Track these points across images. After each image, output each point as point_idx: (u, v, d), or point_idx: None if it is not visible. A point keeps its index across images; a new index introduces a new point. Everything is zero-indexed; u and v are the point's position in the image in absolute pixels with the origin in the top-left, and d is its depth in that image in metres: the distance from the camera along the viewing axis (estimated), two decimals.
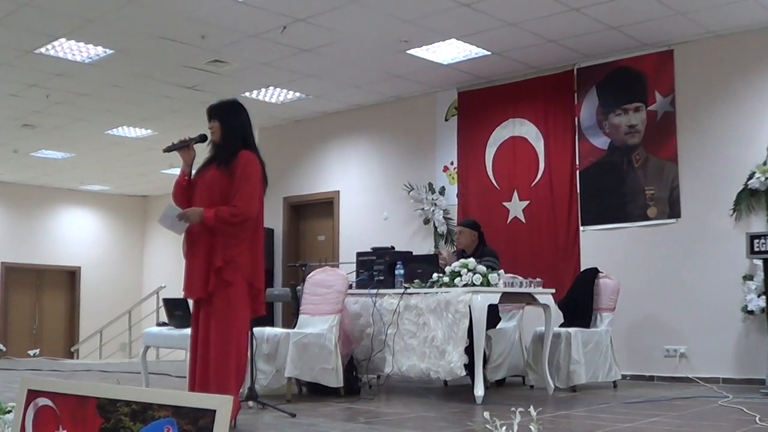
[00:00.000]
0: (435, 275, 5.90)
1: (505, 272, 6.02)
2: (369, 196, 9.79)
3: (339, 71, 8.49)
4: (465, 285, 5.61)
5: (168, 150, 4.48)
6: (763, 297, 6.60)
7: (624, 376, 7.10)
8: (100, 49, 7.73)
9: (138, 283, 16.39)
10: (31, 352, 11.67)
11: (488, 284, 5.63)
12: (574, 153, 8.11)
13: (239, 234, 4.23)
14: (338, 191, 10.13)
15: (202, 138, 4.46)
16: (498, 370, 6.53)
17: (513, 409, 2.53)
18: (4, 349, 11.02)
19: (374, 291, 6.13)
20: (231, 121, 4.38)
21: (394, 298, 5.98)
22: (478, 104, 8.84)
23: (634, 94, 7.77)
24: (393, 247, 7.00)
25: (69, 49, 7.71)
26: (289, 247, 10.58)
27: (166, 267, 15.34)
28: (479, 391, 5.44)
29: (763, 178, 6.89)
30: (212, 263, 4.18)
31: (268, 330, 5.87)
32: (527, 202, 8.39)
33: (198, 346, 4.25)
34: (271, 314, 10.14)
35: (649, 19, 6.96)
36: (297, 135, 10.65)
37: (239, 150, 4.31)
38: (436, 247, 8.86)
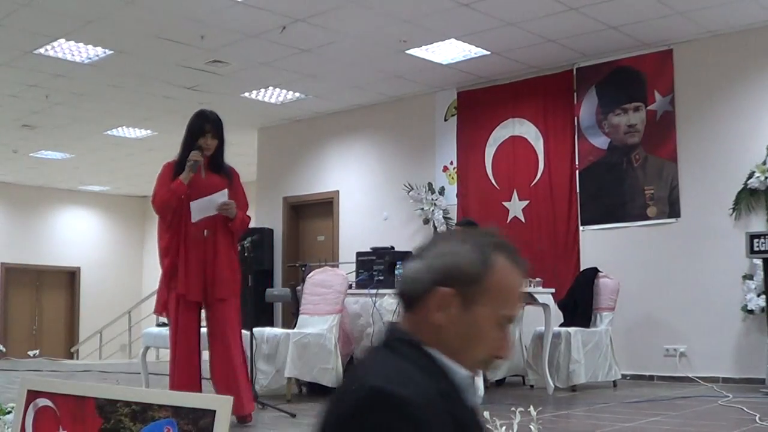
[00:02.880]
0: None
1: None
2: (369, 196, 9.78)
3: (339, 71, 8.48)
4: None
5: (192, 169, 4.43)
6: (763, 296, 6.60)
7: (624, 376, 7.10)
8: (99, 50, 7.73)
9: (138, 284, 16.37)
10: (31, 353, 11.66)
11: None
12: (574, 153, 8.11)
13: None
14: (338, 191, 10.13)
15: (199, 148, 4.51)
16: (498, 369, 6.53)
17: (513, 408, 2.54)
18: (4, 349, 11.01)
19: (374, 291, 6.13)
20: (223, 137, 4.60)
21: (394, 298, 5.97)
22: (477, 104, 8.84)
23: (633, 93, 7.77)
24: (393, 247, 7.00)
25: (68, 50, 7.70)
26: (289, 247, 10.57)
27: None
28: (479, 391, 5.44)
29: (762, 178, 6.89)
30: (233, 265, 4.47)
31: (268, 330, 5.87)
32: (527, 201, 8.39)
33: (215, 346, 4.41)
34: (271, 314, 10.14)
35: (648, 18, 6.95)
36: (297, 135, 10.65)
37: None
38: None
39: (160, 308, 4.51)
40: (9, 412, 3.33)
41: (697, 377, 7.05)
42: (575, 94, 8.16)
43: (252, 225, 5.31)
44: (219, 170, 4.51)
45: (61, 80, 8.63)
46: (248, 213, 4.72)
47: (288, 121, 10.56)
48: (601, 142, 7.96)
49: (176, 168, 4.44)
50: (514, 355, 6.71)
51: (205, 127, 4.43)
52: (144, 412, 1.74)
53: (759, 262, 6.53)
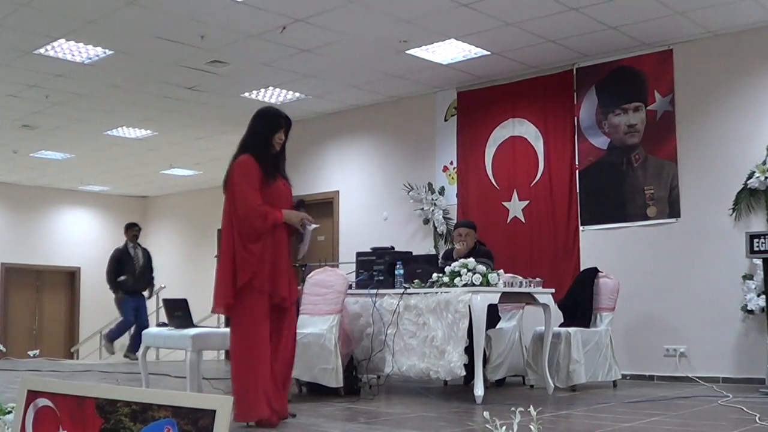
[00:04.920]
0: (435, 275, 5.90)
1: (505, 272, 6.02)
2: (369, 196, 9.79)
3: (339, 71, 8.49)
4: (465, 285, 5.61)
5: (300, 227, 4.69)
6: (763, 296, 6.60)
7: (624, 376, 7.10)
8: (99, 50, 7.73)
9: None
10: (31, 353, 11.66)
11: (488, 284, 5.63)
12: (574, 153, 8.11)
13: None
14: (338, 191, 10.13)
15: (302, 203, 4.83)
16: (498, 369, 6.53)
17: (513, 408, 2.53)
18: (4, 349, 11.02)
19: (374, 291, 6.12)
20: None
21: (394, 298, 5.97)
22: (477, 104, 8.84)
23: (633, 93, 7.77)
24: (393, 247, 7.00)
25: (68, 50, 7.71)
26: (289, 247, 10.55)
27: (166, 267, 15.31)
28: (479, 391, 5.44)
29: (762, 178, 6.89)
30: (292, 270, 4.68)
31: None
32: (527, 201, 8.39)
33: (282, 347, 4.44)
34: None
35: (648, 18, 6.96)
36: (296, 135, 10.50)
37: None
38: (435, 247, 8.86)
39: (222, 304, 4.33)
40: (9, 412, 3.33)
41: (697, 377, 7.05)
42: (575, 94, 8.16)
43: None
44: (283, 173, 4.72)
45: (61, 80, 8.63)
46: None
47: None
48: (601, 142, 7.96)
49: (261, 165, 4.50)
50: (514, 356, 6.72)
51: (282, 123, 4.68)
52: (144, 412, 1.74)
53: (759, 262, 6.53)
